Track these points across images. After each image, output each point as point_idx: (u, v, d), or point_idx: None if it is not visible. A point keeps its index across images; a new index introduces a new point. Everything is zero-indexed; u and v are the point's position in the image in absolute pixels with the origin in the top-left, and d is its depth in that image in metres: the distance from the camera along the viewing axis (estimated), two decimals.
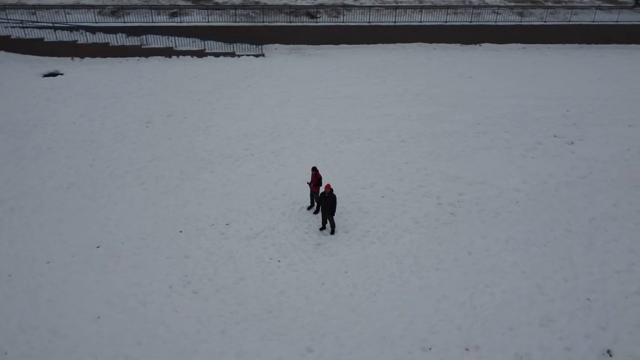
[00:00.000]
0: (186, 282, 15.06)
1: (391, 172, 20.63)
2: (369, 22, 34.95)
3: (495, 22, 36.01)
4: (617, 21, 37.06)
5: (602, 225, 17.73)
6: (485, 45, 36.28)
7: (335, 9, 36.15)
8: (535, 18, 37.02)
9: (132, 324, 13.59)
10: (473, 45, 36.12)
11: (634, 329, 13.57)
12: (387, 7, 36.10)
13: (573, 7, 38.13)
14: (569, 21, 36.74)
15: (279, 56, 32.73)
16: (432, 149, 22.35)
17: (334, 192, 16.63)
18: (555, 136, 23.80)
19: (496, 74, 31.09)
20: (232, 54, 32.15)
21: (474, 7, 37.47)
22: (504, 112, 26.08)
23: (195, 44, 32.10)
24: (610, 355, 12.82)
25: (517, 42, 36.62)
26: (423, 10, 35.42)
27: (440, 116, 25.43)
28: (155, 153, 21.62)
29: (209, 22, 33.09)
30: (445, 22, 35.65)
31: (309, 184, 17.74)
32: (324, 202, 16.38)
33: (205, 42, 31.96)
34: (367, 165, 21.12)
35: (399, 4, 37.49)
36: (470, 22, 35.89)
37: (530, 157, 21.97)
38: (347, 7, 36.24)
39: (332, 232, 16.95)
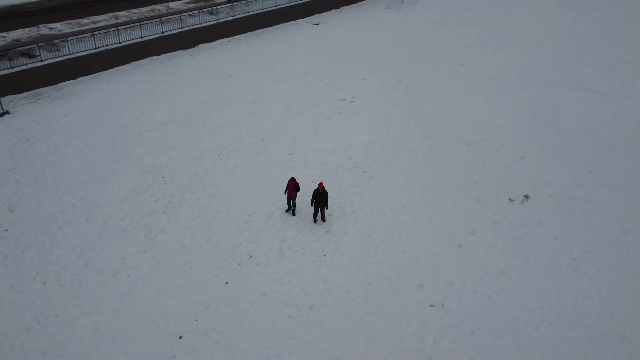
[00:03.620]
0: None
1: None
2: (96, 48, 32.81)
3: (201, 23, 39.31)
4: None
5: None
6: (201, 45, 39.38)
7: (51, 43, 31.98)
8: (224, 15, 42.01)
9: None
10: (193, 48, 38.72)
11: None
12: (106, 28, 34.29)
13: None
14: (248, 12, 43.46)
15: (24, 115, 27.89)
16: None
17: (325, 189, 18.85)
18: None
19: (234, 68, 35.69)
20: None
21: (180, 12, 39.58)
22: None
23: None
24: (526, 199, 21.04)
25: (223, 38, 41.14)
26: (142, 25, 35.43)
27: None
28: None
29: None
30: (163, 32, 36.78)
31: (285, 192, 19.14)
32: (318, 198, 18.46)
33: None
34: None
35: (98, 24, 36.41)
36: (182, 27, 38.08)
37: None
38: (62, 38, 32.58)
39: (324, 220, 19.23)
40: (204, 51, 38.62)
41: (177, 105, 28.92)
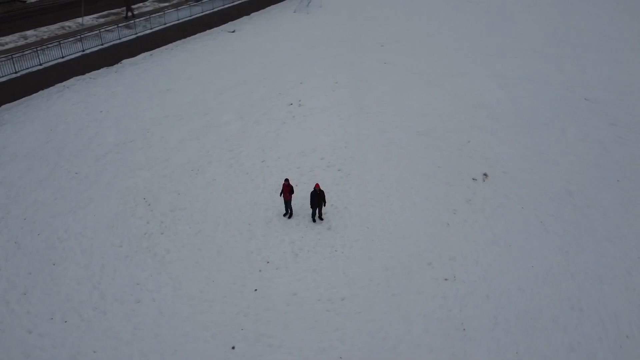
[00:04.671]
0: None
1: None
2: (17, 72, 30.61)
3: (121, 38, 37.95)
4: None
5: None
6: (125, 61, 38.06)
7: None
8: (141, 28, 40.80)
9: None
10: (117, 65, 37.34)
11: None
12: (21, 50, 31.89)
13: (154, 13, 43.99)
14: (165, 24, 42.63)
15: None
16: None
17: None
18: None
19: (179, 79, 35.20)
20: None
21: (98, 28, 37.74)
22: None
23: None
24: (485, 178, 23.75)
25: (145, 52, 40.04)
26: (61, 43, 33.43)
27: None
28: None
29: None
30: (84, 50, 35.07)
31: (281, 195, 19.89)
32: (316, 198, 19.52)
33: None
34: None
35: (6, 47, 34.00)
36: (102, 44, 36.55)
37: None
38: None
39: (321, 218, 20.35)
40: (129, 67, 37.39)
41: (126, 125, 28.05)
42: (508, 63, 39.40)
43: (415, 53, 41.72)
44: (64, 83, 33.29)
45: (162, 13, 42.84)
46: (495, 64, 39.03)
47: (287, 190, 19.69)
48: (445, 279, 17.29)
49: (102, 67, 36.29)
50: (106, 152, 25.21)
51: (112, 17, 43.34)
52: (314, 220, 20.14)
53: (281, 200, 20.81)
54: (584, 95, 33.48)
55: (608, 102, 32.30)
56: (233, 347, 14.64)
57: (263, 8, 56.62)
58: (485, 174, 23.75)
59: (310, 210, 20.17)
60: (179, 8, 44.98)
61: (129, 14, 42.40)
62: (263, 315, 15.77)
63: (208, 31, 47.41)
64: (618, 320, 15.75)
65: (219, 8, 49.07)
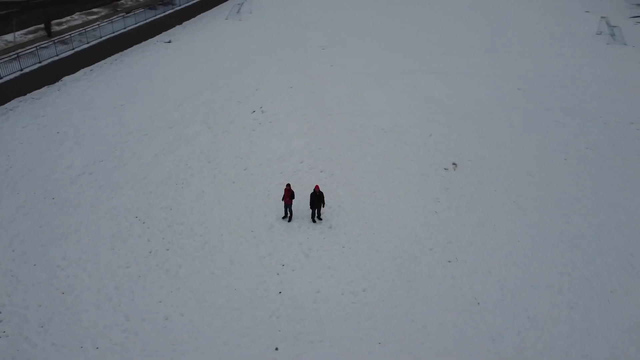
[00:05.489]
0: None
1: None
2: None
3: (58, 55, 36.22)
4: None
5: None
6: (65, 79, 36.40)
7: None
8: (77, 42, 39.05)
9: None
10: (59, 83, 35.65)
11: None
12: None
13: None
14: (101, 37, 41.14)
15: None
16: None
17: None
18: None
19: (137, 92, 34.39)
20: None
21: (34, 45, 35.69)
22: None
23: None
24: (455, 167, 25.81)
25: (84, 67, 38.46)
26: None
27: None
28: None
29: None
30: (22, 69, 33.19)
31: (283, 199, 20.58)
32: (316, 199, 20.44)
33: None
34: None
35: None
36: (40, 62, 34.74)
37: None
38: None
39: (320, 218, 21.28)
40: (72, 84, 35.73)
41: (90, 144, 27.15)
42: (442, 60, 42.34)
43: (357, 55, 43.54)
44: (6, 105, 31.29)
45: (97, 26, 41.25)
46: (431, 62, 41.79)
47: (288, 195, 20.37)
48: (449, 261, 18.90)
49: (43, 85, 34.43)
50: (78, 175, 24.34)
51: (41, 33, 41.01)
52: (314, 221, 20.99)
53: (278, 205, 21.41)
54: (517, 85, 36.94)
55: (538, 91, 35.94)
56: (276, 349, 15.20)
57: (194, 16, 55.94)
58: (454, 164, 25.81)
59: (310, 212, 20.97)
60: (113, 20, 43.51)
61: (49, 32, 40.23)
62: (294, 314, 16.43)
63: (144, 43, 46.21)
64: (600, 279, 18.16)
65: (152, 19, 47.98)
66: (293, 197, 20.59)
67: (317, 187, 20.34)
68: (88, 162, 25.45)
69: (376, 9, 62.42)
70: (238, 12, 57.27)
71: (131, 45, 44.62)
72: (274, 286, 17.66)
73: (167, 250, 19.41)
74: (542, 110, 32.53)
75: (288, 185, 20.46)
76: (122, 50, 43.15)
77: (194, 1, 56.18)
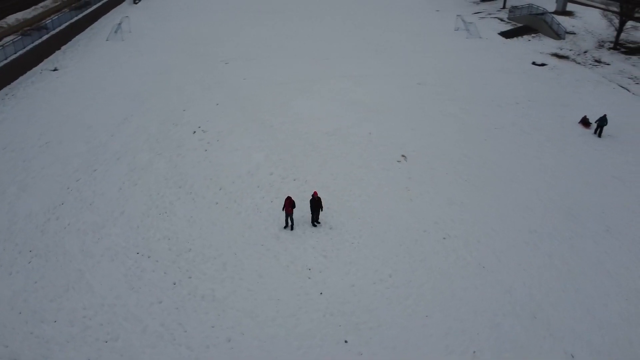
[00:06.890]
0: None
1: None
2: None
3: None
4: None
5: None
6: None
7: None
8: None
9: None
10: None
11: None
12: None
13: None
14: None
15: None
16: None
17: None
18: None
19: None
20: None
21: None
22: None
23: None
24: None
25: None
26: None
27: None
28: None
29: None
30: None
31: (283, 209, 21.82)
32: (314, 204, 22.07)
33: None
34: None
35: None
36: None
37: None
38: None
39: (318, 222, 22.91)
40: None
41: (38, 188, 25.28)
42: (345, 64, 45.83)
43: (264, 66, 44.98)
44: None
45: None
46: (337, 66, 45.01)
47: (289, 204, 21.61)
48: (444, 238, 21.92)
49: None
50: (44, 222, 22.71)
51: None
52: (314, 225, 22.50)
53: (272, 217, 22.47)
54: (415, 80, 41.75)
55: (435, 84, 41.09)
56: (346, 341, 16.70)
57: (70, 40, 52.15)
58: (403, 155, 29.04)
59: (310, 216, 22.44)
60: None
61: None
62: (344, 309, 18.01)
63: (29, 73, 42.29)
64: (554, 222, 22.67)
65: (31, 46, 43.96)
66: (294, 207, 21.85)
67: (315, 193, 21.89)
68: (48, 207, 23.72)
69: (256, 19, 63.98)
70: (116, 32, 54.70)
71: (17, 77, 40.62)
72: (312, 289, 18.95)
73: (190, 278, 19.49)
74: (447, 101, 37.47)
75: (289, 197, 21.68)
76: (10, 83, 39.13)
77: (65, 24, 52.24)
